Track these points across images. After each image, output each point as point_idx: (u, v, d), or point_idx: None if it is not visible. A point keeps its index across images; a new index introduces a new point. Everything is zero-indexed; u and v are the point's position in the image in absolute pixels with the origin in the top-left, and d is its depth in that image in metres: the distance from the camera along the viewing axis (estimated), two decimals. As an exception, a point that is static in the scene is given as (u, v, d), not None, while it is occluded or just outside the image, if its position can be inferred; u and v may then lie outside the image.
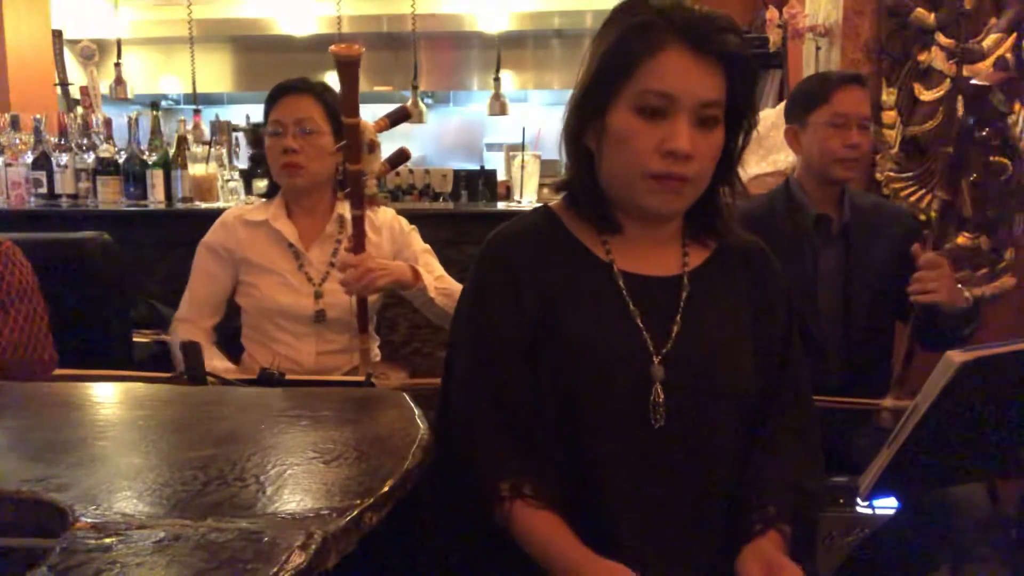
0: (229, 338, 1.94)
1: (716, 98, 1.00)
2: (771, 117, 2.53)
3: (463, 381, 1.08)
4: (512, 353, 1.05)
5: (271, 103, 1.78)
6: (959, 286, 1.69)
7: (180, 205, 2.91)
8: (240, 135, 3.32)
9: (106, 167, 2.99)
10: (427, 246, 1.89)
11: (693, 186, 1.02)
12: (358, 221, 1.64)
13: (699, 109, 0.99)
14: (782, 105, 2.65)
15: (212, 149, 3.05)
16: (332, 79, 1.61)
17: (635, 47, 0.99)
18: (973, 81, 1.74)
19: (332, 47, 1.50)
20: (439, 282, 1.76)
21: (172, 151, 2.97)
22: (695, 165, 1.00)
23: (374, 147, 1.62)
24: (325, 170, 1.78)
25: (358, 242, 1.64)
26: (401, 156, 1.76)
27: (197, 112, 3.50)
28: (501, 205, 3.23)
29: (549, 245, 1.09)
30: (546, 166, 3.43)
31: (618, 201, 1.07)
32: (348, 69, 1.51)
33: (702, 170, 1.02)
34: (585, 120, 1.05)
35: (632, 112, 1.00)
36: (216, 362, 1.74)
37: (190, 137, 3.10)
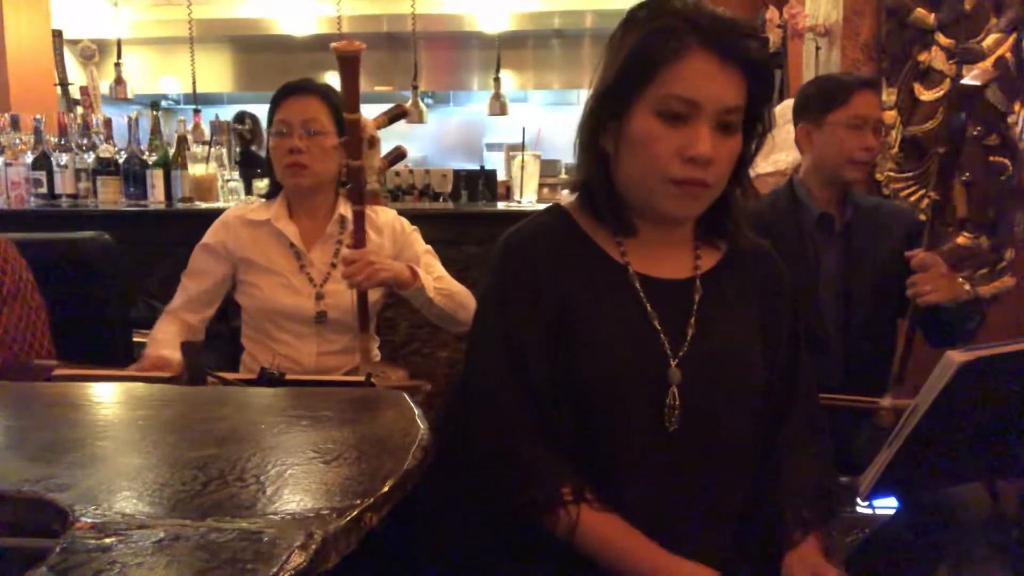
0: (228, 338, 1.94)
1: (738, 104, 1.00)
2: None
3: (496, 388, 1.06)
4: (543, 354, 1.05)
5: (276, 103, 1.78)
6: (960, 279, 1.70)
7: (180, 205, 2.91)
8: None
9: (106, 167, 2.98)
10: (428, 247, 1.89)
11: (711, 191, 1.03)
12: (359, 216, 1.64)
13: (720, 115, 0.99)
14: (783, 105, 2.65)
15: (212, 149, 3.05)
16: (332, 79, 1.61)
17: (659, 51, 0.98)
18: (963, 81, 1.75)
19: (333, 44, 1.51)
20: (439, 283, 1.76)
21: (172, 151, 2.97)
22: (715, 170, 1.00)
23: (374, 143, 1.63)
24: (330, 171, 1.78)
25: (359, 237, 1.64)
26: (398, 154, 1.77)
27: (197, 112, 3.50)
28: (501, 205, 3.23)
29: (565, 246, 1.09)
30: (546, 166, 3.43)
31: (634, 204, 1.07)
32: (349, 65, 1.51)
33: (721, 175, 1.02)
34: (603, 121, 1.04)
35: (653, 116, 0.99)
36: (166, 351, 1.65)
37: (190, 137, 3.10)
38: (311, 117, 1.74)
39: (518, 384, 1.04)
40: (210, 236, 1.84)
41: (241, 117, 3.52)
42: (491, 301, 1.10)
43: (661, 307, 1.07)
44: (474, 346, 1.12)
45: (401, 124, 1.75)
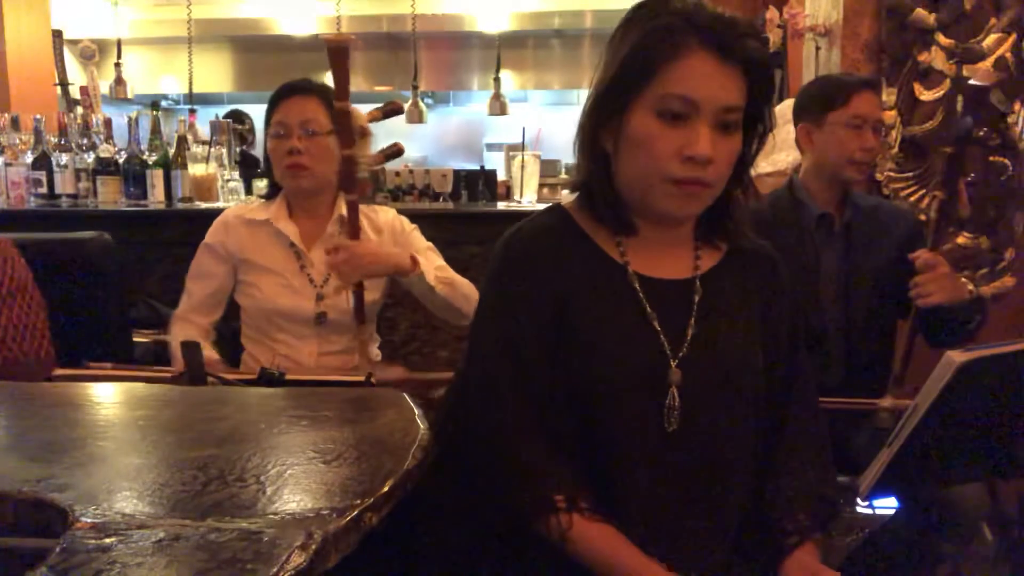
0: (229, 338, 1.94)
1: (737, 104, 0.99)
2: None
3: (497, 389, 1.06)
4: (543, 355, 1.05)
5: (274, 104, 1.77)
6: (962, 280, 1.70)
7: (180, 205, 2.90)
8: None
9: (106, 167, 2.98)
10: (430, 244, 1.88)
11: (711, 191, 1.03)
12: (352, 206, 1.63)
13: (720, 114, 0.98)
14: (783, 105, 2.64)
15: (212, 149, 3.05)
16: (331, 79, 1.61)
17: (658, 50, 0.98)
18: (972, 82, 1.75)
19: (322, 35, 1.52)
20: (440, 271, 1.75)
21: (172, 151, 2.97)
22: (714, 170, 1.00)
23: (365, 132, 1.62)
24: (330, 172, 1.77)
25: (353, 227, 1.64)
26: (395, 150, 1.77)
27: (192, 112, 3.50)
28: (501, 205, 3.23)
29: (565, 246, 1.09)
30: (546, 166, 3.43)
31: (634, 203, 1.06)
32: (338, 55, 1.52)
33: (720, 175, 1.02)
34: (603, 121, 1.04)
35: (653, 116, 0.99)
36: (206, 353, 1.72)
37: (190, 137, 3.10)
38: (309, 118, 1.73)
39: (517, 386, 1.04)
40: (211, 237, 1.84)
41: (237, 116, 3.52)
42: (491, 301, 1.10)
43: (660, 307, 1.06)
44: (473, 346, 1.12)
45: (402, 124, 1.75)
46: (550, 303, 1.05)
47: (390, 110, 1.72)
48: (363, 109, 1.66)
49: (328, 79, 1.79)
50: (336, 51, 1.51)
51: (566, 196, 1.17)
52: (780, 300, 1.14)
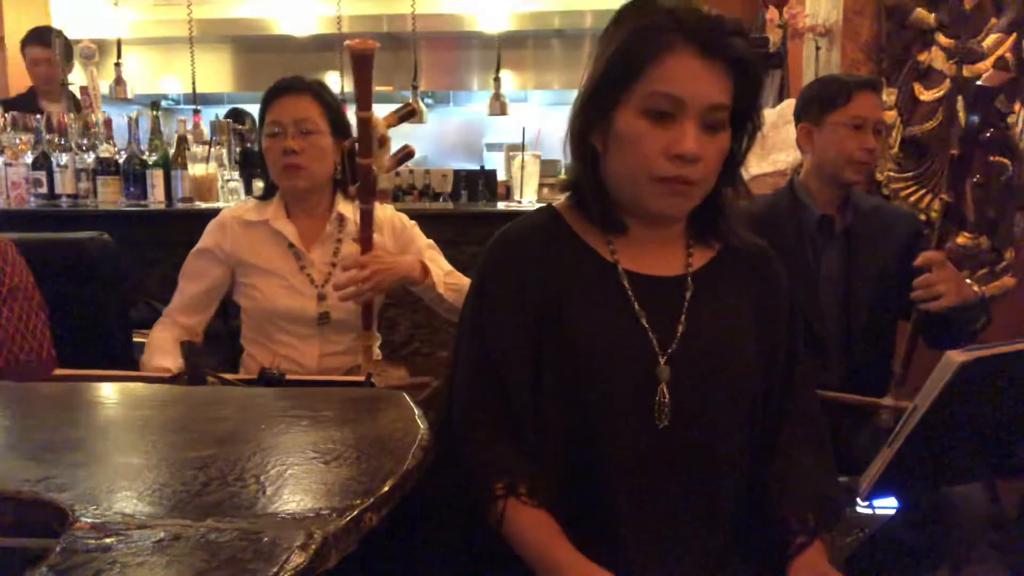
0: (229, 338, 1.94)
1: (723, 102, 0.99)
2: (771, 117, 2.53)
3: (465, 380, 1.08)
4: (514, 353, 1.05)
5: (268, 103, 1.76)
6: (967, 280, 1.69)
7: (180, 205, 2.91)
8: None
9: (106, 167, 2.98)
10: (431, 241, 1.88)
11: (699, 189, 1.03)
12: (367, 216, 1.62)
13: (706, 113, 0.98)
14: (783, 105, 2.65)
15: (212, 149, 3.05)
16: (332, 79, 1.61)
17: (644, 49, 0.98)
18: (979, 83, 1.74)
19: (347, 42, 1.51)
20: (448, 277, 1.74)
21: (172, 151, 2.97)
22: (701, 168, 1.00)
23: (384, 142, 1.62)
24: (326, 171, 1.77)
25: (366, 238, 1.63)
26: (406, 153, 1.76)
27: (196, 112, 3.50)
28: (501, 205, 3.23)
29: (554, 245, 1.09)
30: (546, 166, 3.43)
31: (623, 202, 1.07)
32: (362, 63, 1.51)
33: (708, 173, 1.02)
34: (591, 120, 1.04)
35: (639, 114, 0.99)
36: (162, 360, 1.67)
37: (190, 137, 3.10)
38: (304, 116, 1.72)
39: (482, 380, 1.06)
40: (207, 239, 1.82)
41: (237, 115, 3.53)
42: (473, 297, 1.12)
43: (650, 304, 1.07)
44: (456, 341, 1.14)
45: (402, 124, 1.74)
46: (534, 302, 1.06)
47: (406, 113, 1.72)
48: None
49: (329, 79, 1.79)
50: (360, 58, 1.50)
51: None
52: (776, 297, 1.14)
